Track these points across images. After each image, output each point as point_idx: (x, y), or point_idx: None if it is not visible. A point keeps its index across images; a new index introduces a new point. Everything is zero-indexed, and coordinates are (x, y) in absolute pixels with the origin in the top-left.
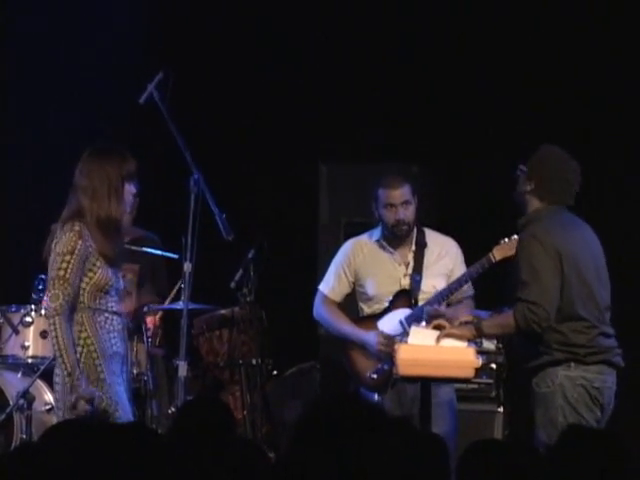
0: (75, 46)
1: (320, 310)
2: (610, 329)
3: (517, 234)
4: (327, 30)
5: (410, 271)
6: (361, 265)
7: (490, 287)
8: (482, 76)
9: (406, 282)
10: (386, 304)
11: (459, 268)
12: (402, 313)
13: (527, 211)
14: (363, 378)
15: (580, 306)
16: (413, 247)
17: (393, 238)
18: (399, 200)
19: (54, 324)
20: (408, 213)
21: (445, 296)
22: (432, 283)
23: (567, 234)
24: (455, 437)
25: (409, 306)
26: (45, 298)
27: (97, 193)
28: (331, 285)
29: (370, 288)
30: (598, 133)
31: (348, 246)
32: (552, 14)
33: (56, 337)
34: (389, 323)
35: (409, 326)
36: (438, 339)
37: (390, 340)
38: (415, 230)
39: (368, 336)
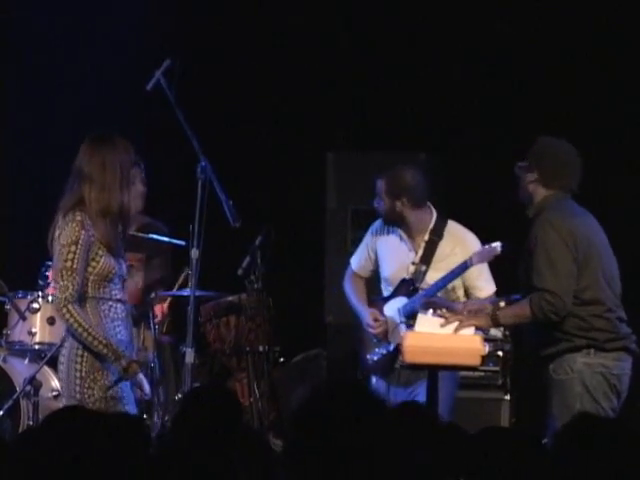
0: (82, 32)
1: (346, 283)
2: (624, 314)
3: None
4: (334, 18)
5: (417, 260)
6: (380, 246)
7: (499, 275)
8: (489, 64)
9: (412, 270)
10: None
11: (474, 267)
12: (400, 301)
13: (534, 202)
14: (364, 360)
15: (598, 290)
16: (427, 236)
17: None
18: (375, 189)
19: (69, 312)
20: (378, 204)
21: (433, 293)
22: (437, 276)
23: (578, 219)
24: (449, 403)
25: (408, 295)
26: (52, 288)
27: (108, 183)
28: (357, 260)
29: (384, 270)
30: (609, 126)
31: (375, 225)
32: (559, 11)
33: (76, 322)
34: (390, 309)
35: (403, 315)
36: (456, 330)
37: (380, 322)
38: (434, 220)
39: (364, 313)
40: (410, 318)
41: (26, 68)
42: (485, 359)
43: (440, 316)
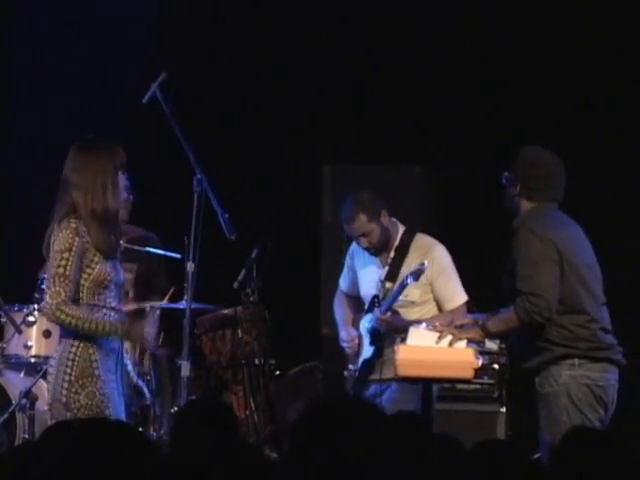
0: (79, 44)
1: (335, 303)
2: (609, 325)
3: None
4: (331, 31)
5: (384, 277)
6: (356, 264)
7: (487, 286)
8: (485, 79)
9: (379, 287)
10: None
11: (442, 277)
12: (368, 318)
13: (519, 213)
14: (343, 376)
15: (579, 299)
16: (392, 253)
17: None
18: (356, 233)
19: (63, 312)
20: (370, 239)
21: (388, 307)
22: (406, 292)
23: (562, 230)
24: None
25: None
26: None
27: (90, 187)
28: (343, 281)
29: (360, 289)
30: (606, 137)
31: (351, 247)
32: (559, 22)
33: (73, 317)
34: (362, 325)
35: (368, 332)
36: (451, 344)
37: (352, 338)
38: (400, 235)
39: (341, 331)
40: (374, 336)
41: (18, 79)
42: (478, 372)
43: (432, 329)
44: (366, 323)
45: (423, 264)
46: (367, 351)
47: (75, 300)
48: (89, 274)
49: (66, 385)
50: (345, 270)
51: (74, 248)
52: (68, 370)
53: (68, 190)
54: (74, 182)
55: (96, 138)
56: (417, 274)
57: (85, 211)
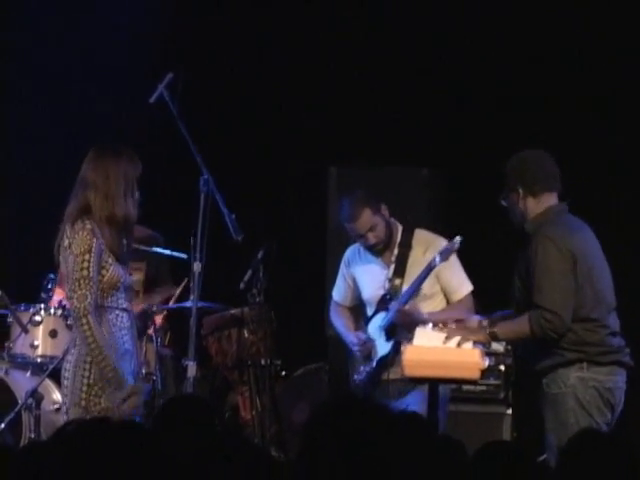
0: (87, 45)
1: (330, 314)
2: (617, 328)
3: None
4: (339, 34)
5: (391, 275)
6: (355, 270)
7: (494, 290)
8: (492, 80)
9: (388, 286)
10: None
11: (447, 268)
12: (381, 317)
13: (530, 217)
14: (353, 382)
15: (591, 308)
16: (396, 250)
17: None
18: (363, 230)
19: (87, 324)
20: (377, 233)
21: (409, 296)
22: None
23: (577, 235)
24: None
25: (387, 309)
26: (66, 298)
27: (112, 191)
28: (338, 292)
29: (364, 293)
30: (611, 136)
31: (347, 252)
32: (559, 18)
33: (92, 336)
34: (372, 326)
35: (384, 329)
36: (458, 345)
37: (363, 341)
38: (400, 233)
39: (349, 337)
40: (390, 331)
41: (23, 80)
42: (485, 373)
43: (439, 330)
44: (378, 322)
45: (456, 240)
46: (384, 348)
47: (98, 302)
48: (103, 275)
49: (85, 389)
50: (340, 280)
51: (93, 249)
52: (86, 373)
53: (85, 190)
54: (95, 183)
55: (118, 144)
56: (447, 253)
57: (101, 214)
